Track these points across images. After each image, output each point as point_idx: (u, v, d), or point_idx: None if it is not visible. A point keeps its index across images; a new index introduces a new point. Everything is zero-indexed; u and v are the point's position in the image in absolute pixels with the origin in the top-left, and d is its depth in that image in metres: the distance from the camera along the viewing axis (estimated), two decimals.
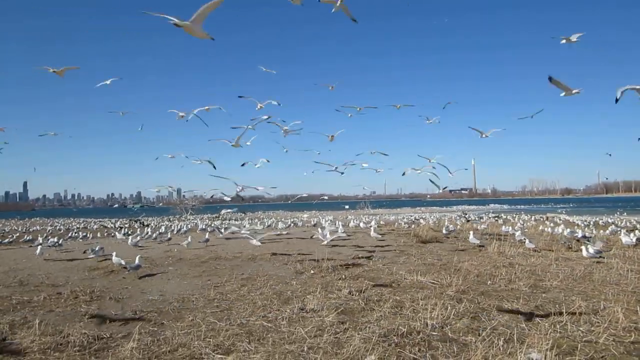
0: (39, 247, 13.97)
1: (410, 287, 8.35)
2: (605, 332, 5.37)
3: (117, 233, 22.79)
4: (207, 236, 15.96)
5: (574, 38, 9.81)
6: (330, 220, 31.94)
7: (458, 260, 11.36)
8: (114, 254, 11.36)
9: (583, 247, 11.24)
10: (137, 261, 10.26)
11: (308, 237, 18.74)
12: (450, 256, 12.37)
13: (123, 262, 10.74)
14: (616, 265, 10.29)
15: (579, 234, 15.84)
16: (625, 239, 13.77)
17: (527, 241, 13.59)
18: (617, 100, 7.04)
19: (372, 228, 17.92)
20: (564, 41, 10.00)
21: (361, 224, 26.47)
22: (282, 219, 37.19)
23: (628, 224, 25.35)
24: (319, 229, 18.91)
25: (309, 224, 29.24)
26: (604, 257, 11.30)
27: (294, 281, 9.19)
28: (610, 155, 25.49)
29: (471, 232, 15.81)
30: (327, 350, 5.04)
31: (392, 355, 4.83)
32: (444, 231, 18.88)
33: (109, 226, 34.85)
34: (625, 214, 41.22)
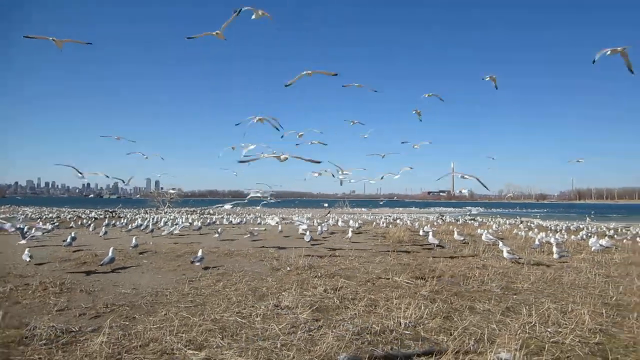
0: None
1: (385, 286, 8.41)
2: (571, 333, 5.51)
3: (91, 224, 22.34)
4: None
5: None
6: (309, 218, 31.93)
7: (433, 261, 11.49)
8: (26, 251, 10.39)
9: (504, 249, 11.93)
10: (110, 253, 10.07)
11: (287, 235, 18.72)
12: (425, 256, 12.51)
13: (28, 259, 10.19)
14: (585, 269, 10.59)
15: (551, 239, 16.23)
16: (594, 244, 14.16)
17: (500, 244, 13.84)
18: (594, 61, 8.14)
19: (349, 230, 18.01)
20: None
21: (340, 223, 26.57)
22: (261, 216, 36.92)
23: (598, 230, 26.05)
24: (301, 227, 18.91)
25: (286, 222, 29.11)
26: (522, 259, 11.96)
27: (270, 278, 9.16)
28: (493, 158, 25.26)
29: (430, 233, 16.18)
30: (301, 347, 5.04)
31: (365, 353, 4.85)
32: (421, 232, 19.12)
33: (82, 216, 34.09)
34: (595, 220, 42.38)
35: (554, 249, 12.20)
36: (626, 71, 9.01)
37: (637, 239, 18.69)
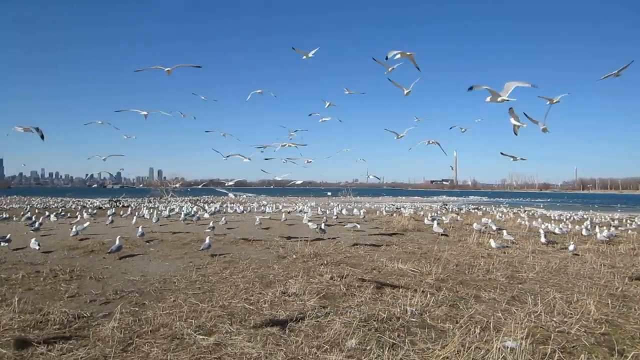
0: None
1: (391, 275, 8.48)
2: (577, 323, 5.55)
3: (89, 213, 22.46)
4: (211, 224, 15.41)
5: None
6: (313, 207, 32.01)
7: (438, 250, 11.54)
8: (33, 240, 10.76)
9: (491, 240, 12.11)
10: (117, 242, 10.19)
11: (291, 223, 18.78)
12: (430, 245, 12.57)
13: (37, 247, 10.44)
14: (590, 259, 10.61)
15: (556, 229, 16.29)
16: (599, 235, 14.18)
17: (504, 233, 13.90)
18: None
19: (354, 218, 18.00)
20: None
21: (344, 211, 26.64)
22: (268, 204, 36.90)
23: (602, 219, 26.01)
24: (305, 216, 18.95)
25: (290, 211, 29.19)
26: (509, 247, 12.41)
27: (276, 265, 9.25)
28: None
29: (435, 222, 16.16)
30: (309, 333, 5.11)
31: (372, 339, 4.92)
32: (425, 221, 19.13)
33: (87, 206, 34.32)
34: (599, 210, 42.36)
35: (542, 239, 13.19)
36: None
37: None
